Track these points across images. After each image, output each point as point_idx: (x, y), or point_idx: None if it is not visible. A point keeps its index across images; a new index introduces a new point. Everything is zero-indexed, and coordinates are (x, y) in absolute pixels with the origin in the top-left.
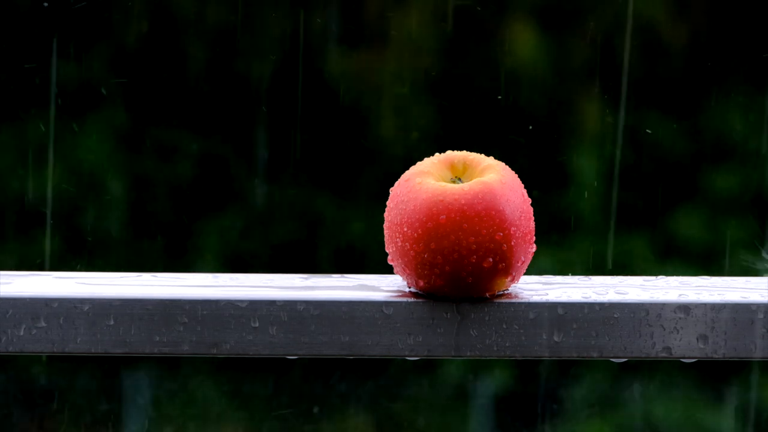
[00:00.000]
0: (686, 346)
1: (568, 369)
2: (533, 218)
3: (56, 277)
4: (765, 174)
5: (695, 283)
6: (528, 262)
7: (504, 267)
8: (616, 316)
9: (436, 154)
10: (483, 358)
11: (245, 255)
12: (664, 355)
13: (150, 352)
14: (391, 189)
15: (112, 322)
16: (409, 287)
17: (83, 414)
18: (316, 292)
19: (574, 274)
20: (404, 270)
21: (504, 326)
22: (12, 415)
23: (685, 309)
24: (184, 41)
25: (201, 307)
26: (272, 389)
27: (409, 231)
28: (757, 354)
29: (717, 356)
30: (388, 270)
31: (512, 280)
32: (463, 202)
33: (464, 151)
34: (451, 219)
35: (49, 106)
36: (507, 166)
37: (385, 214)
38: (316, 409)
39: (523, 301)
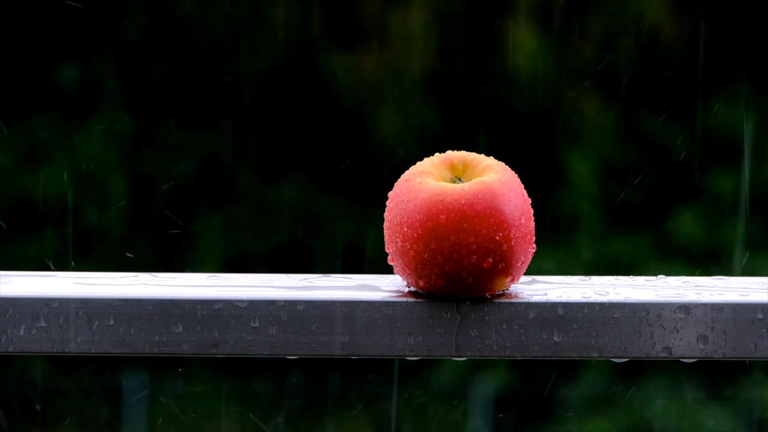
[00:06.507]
0: (686, 346)
1: (567, 369)
2: (533, 218)
3: (56, 277)
4: (765, 174)
5: (695, 283)
6: (528, 262)
7: (504, 267)
8: (616, 316)
9: (436, 154)
10: (483, 358)
11: (245, 255)
12: (664, 355)
13: (150, 352)
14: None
15: (112, 322)
16: (409, 287)
17: (83, 414)
18: (316, 292)
19: (574, 274)
20: (404, 270)
21: (504, 326)
22: (12, 414)
23: (685, 309)
24: (184, 41)
25: (201, 307)
26: (272, 389)
27: (409, 231)
28: (757, 354)
29: (717, 356)
30: (388, 270)
31: (512, 280)
32: (463, 202)
33: (464, 151)
34: (451, 219)
35: (49, 106)
36: (507, 166)
37: (385, 214)
38: (315, 409)
39: (523, 301)
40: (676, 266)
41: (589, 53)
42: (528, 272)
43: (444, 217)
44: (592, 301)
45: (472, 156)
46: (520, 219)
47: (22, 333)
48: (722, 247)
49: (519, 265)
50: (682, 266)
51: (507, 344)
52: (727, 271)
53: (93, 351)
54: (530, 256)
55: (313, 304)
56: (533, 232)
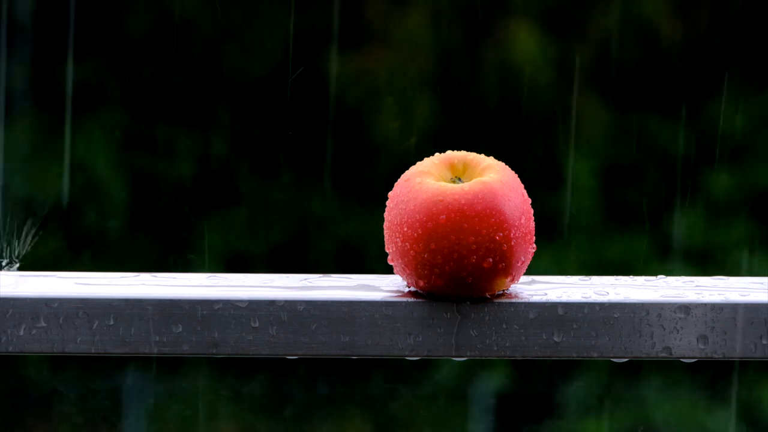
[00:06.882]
0: (686, 346)
1: (567, 369)
2: (533, 218)
3: (56, 277)
4: (765, 173)
5: (695, 283)
6: (528, 262)
7: (504, 267)
8: (616, 316)
9: (436, 154)
10: (483, 358)
11: (245, 255)
12: (664, 355)
13: (150, 352)
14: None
15: (112, 322)
16: (409, 287)
17: (83, 414)
18: (316, 292)
19: (574, 274)
20: (404, 270)
21: (504, 326)
22: (12, 415)
23: (685, 309)
24: (183, 40)
25: (201, 307)
26: (271, 389)
27: (409, 231)
28: (757, 354)
29: (717, 356)
30: (388, 270)
31: (512, 280)
32: (463, 202)
33: (464, 151)
34: (451, 219)
35: (49, 105)
36: (507, 166)
37: (385, 214)
38: (315, 409)
39: (523, 301)
40: (676, 266)
41: (589, 53)
42: (528, 272)
43: (444, 217)
44: (592, 301)
45: (472, 156)
46: (520, 219)
47: (22, 333)
48: (722, 247)
49: (519, 265)
50: (682, 266)
51: (507, 344)
52: (727, 271)
53: (93, 351)
54: (530, 256)
55: (313, 304)
56: (533, 232)
